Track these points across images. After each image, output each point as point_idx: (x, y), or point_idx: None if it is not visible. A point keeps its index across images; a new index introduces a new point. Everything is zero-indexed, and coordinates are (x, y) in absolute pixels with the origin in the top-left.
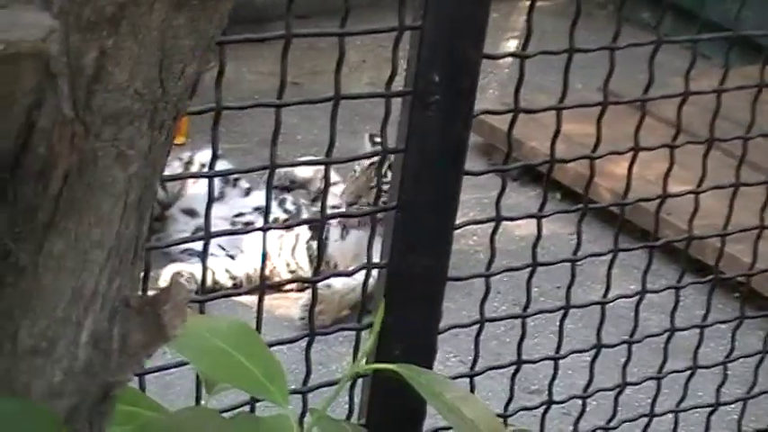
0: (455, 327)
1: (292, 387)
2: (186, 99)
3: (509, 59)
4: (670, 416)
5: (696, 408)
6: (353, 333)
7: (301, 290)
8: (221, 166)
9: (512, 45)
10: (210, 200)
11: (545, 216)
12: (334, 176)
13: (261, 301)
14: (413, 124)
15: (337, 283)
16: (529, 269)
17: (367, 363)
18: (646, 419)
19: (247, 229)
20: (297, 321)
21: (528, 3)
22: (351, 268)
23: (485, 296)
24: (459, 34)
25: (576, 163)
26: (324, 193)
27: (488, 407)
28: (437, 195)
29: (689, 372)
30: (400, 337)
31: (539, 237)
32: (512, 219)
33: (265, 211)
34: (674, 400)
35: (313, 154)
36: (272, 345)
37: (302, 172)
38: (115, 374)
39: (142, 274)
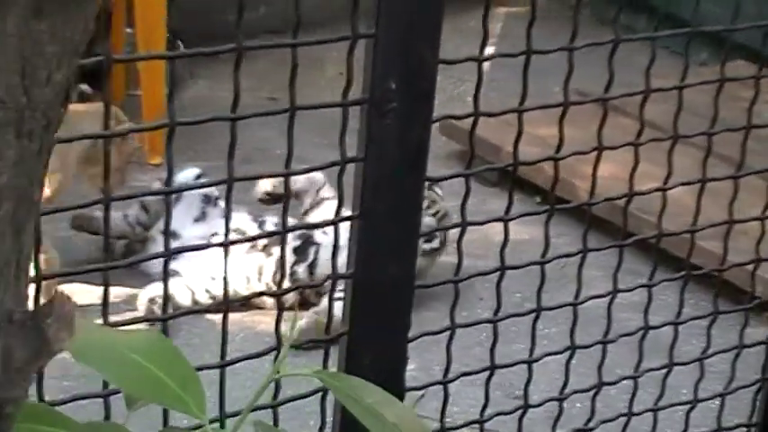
0: (425, 334)
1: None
2: (58, 106)
3: (485, 66)
4: (649, 415)
5: (675, 405)
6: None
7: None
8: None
9: (489, 51)
10: (169, 215)
11: (511, 219)
12: (328, 191)
13: (225, 318)
14: (371, 132)
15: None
16: (498, 273)
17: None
18: (624, 419)
19: (205, 245)
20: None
21: (504, 10)
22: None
23: (454, 302)
24: (413, 38)
25: (552, 165)
26: (285, 205)
27: (413, 410)
28: (398, 202)
29: (665, 369)
30: (369, 346)
31: (506, 240)
32: (477, 223)
33: (225, 225)
34: (653, 398)
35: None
36: (242, 359)
37: (297, 183)
38: (3, 391)
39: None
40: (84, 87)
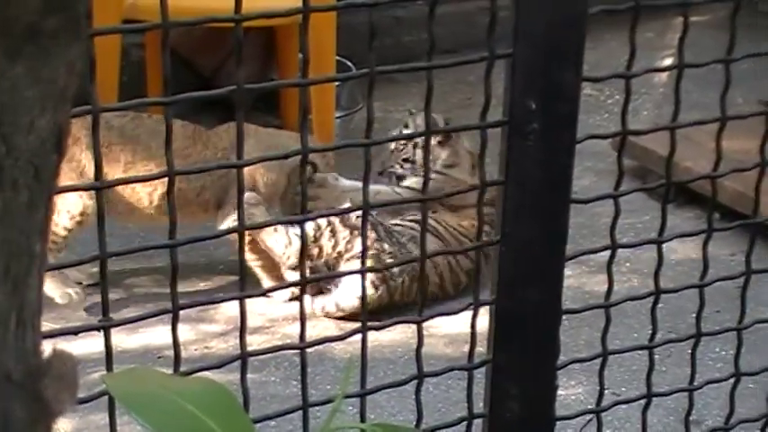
0: (576, 361)
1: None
2: (49, 154)
3: (663, 78)
4: None
5: None
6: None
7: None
8: None
9: (668, 63)
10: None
11: (664, 241)
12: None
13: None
14: (511, 154)
15: None
16: (649, 296)
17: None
18: None
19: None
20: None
21: (682, 19)
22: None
23: (605, 328)
24: (552, 58)
25: (734, 181)
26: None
27: None
28: (542, 226)
29: None
30: (515, 375)
31: (660, 261)
32: (628, 246)
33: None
34: None
35: None
36: (377, 390)
37: None
38: None
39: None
40: None
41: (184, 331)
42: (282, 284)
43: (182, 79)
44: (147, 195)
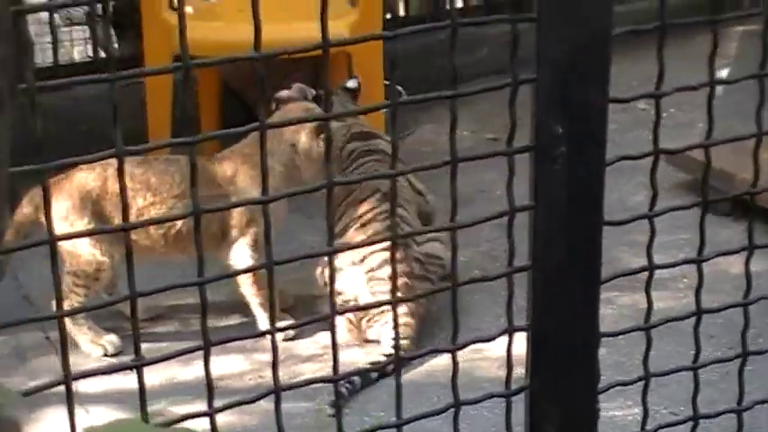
0: (618, 385)
1: None
2: None
3: (719, 90)
4: None
5: None
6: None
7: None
8: None
9: (723, 74)
10: None
11: (705, 260)
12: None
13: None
14: (539, 179)
15: None
16: (692, 317)
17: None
18: None
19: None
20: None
21: (741, 28)
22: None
23: (647, 351)
24: (578, 81)
25: None
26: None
27: None
28: (574, 250)
29: None
30: (554, 400)
31: (700, 281)
32: (665, 266)
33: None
34: None
35: None
36: (414, 419)
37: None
38: None
39: None
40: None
41: (239, 361)
42: (316, 317)
43: (233, 110)
44: (161, 237)
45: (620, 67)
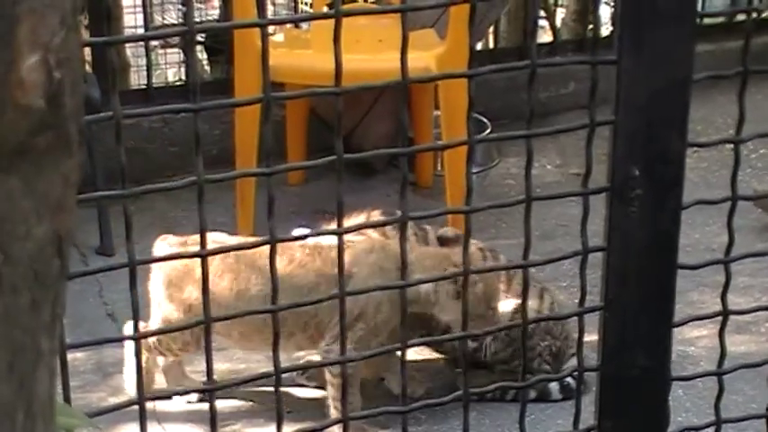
0: (688, 429)
1: None
2: (48, 259)
3: None
4: None
5: None
6: None
7: None
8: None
9: None
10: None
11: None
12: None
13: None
14: (613, 220)
15: None
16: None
17: None
18: None
19: None
20: None
21: None
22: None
23: (719, 395)
24: (656, 123)
25: None
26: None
27: None
28: (647, 293)
29: None
30: None
31: None
32: (740, 312)
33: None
34: None
35: None
36: None
37: None
38: None
39: None
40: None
41: (310, 389)
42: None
43: (321, 138)
44: (262, 320)
45: (707, 102)
